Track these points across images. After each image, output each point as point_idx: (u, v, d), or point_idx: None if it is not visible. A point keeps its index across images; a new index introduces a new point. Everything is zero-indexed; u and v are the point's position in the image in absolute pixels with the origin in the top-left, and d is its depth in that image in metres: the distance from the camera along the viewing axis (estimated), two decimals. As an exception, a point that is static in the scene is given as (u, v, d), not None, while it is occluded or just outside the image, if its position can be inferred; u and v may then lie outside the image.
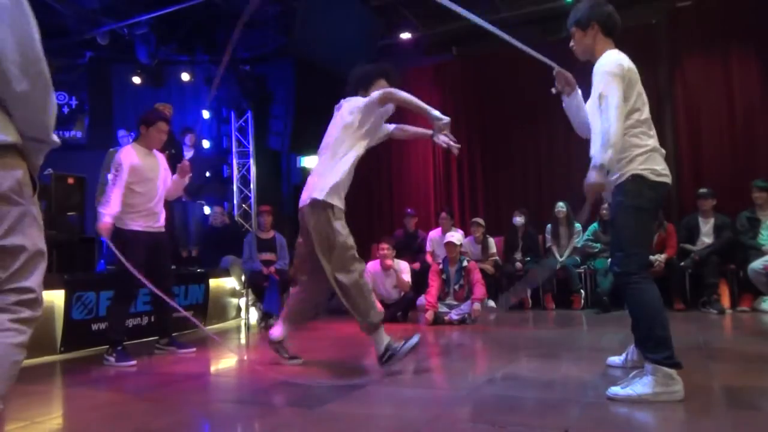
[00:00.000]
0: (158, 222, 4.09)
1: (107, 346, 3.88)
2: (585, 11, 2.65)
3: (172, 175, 4.26)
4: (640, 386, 2.35)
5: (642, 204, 2.45)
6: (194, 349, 4.23)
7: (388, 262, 5.94)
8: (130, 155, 3.93)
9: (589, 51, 2.67)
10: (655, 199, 2.50)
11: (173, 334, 4.33)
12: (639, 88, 2.52)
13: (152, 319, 4.77)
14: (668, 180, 2.51)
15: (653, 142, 2.51)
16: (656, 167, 2.47)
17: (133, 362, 3.75)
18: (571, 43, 2.75)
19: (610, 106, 2.37)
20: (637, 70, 2.55)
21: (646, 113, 2.53)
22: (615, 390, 2.40)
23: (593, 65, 2.57)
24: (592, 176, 2.35)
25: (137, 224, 3.94)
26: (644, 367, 2.42)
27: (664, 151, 2.55)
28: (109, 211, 3.79)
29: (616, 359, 3.06)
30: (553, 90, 2.87)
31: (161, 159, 4.18)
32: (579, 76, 2.86)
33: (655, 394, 2.32)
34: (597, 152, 2.36)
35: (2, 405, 1.40)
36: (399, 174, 8.68)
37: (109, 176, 3.89)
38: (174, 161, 4.56)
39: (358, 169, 3.38)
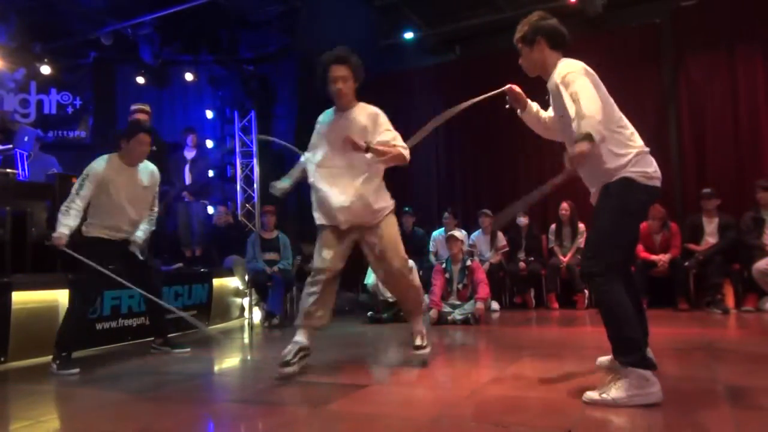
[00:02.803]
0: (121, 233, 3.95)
1: (56, 353, 3.53)
2: (529, 27, 2.63)
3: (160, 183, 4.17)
4: (615, 390, 2.31)
5: (627, 207, 2.40)
6: (189, 350, 4.23)
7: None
8: (102, 166, 3.77)
9: (539, 66, 2.62)
10: (645, 202, 2.48)
11: (171, 335, 4.32)
12: (605, 91, 2.46)
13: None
14: (659, 183, 2.46)
15: (640, 142, 2.46)
16: (648, 170, 2.42)
17: (76, 371, 3.47)
18: (520, 60, 2.70)
19: (581, 94, 2.25)
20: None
21: (620, 114, 2.48)
22: (591, 395, 2.36)
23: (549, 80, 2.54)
24: (584, 145, 2.12)
25: (100, 232, 3.86)
26: (620, 371, 2.38)
27: (648, 149, 2.49)
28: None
29: (605, 359, 3.00)
30: (507, 106, 2.86)
31: (144, 174, 3.97)
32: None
33: (629, 396, 2.28)
34: (576, 127, 2.21)
35: None
36: (402, 174, 8.64)
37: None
38: (156, 157, 4.37)
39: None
